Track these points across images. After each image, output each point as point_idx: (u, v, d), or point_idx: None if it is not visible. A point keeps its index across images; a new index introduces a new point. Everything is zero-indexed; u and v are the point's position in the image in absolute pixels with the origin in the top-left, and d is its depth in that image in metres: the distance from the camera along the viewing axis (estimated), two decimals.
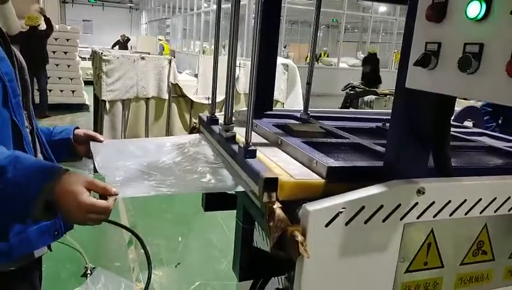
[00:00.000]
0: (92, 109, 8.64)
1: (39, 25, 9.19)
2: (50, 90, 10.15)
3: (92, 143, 1.67)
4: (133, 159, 1.54)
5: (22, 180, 1.16)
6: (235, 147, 1.40)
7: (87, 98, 10.97)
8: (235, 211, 1.54)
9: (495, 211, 1.22)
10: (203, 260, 4.19)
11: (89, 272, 3.63)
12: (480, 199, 1.18)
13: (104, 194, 1.21)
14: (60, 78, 10.68)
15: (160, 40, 16.76)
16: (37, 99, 9.19)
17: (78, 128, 1.72)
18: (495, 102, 0.82)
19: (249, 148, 1.31)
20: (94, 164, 1.51)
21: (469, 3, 0.86)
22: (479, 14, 0.84)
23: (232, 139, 1.50)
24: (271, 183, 1.13)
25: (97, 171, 1.43)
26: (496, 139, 1.94)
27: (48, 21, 9.30)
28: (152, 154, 1.63)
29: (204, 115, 1.85)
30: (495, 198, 1.20)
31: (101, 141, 1.70)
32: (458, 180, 1.18)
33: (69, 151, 1.69)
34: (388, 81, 11.51)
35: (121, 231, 4.40)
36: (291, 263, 1.09)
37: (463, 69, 0.87)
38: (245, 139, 1.31)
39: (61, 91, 10.76)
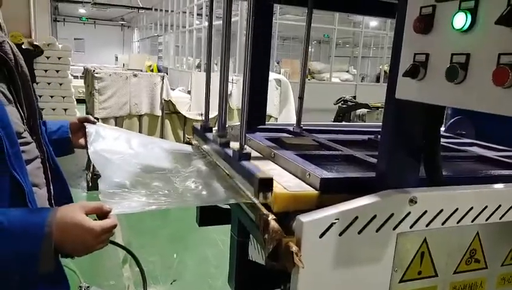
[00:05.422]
0: None
1: (23, 43, 9.22)
2: (42, 109, 10.12)
3: (87, 125, 1.67)
4: (127, 158, 1.54)
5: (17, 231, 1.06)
6: (229, 151, 1.42)
7: None
8: (229, 227, 1.54)
9: (486, 219, 1.22)
10: (198, 276, 4.17)
11: None
12: (472, 208, 1.19)
13: (102, 214, 1.19)
14: (51, 96, 10.61)
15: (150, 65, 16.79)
16: None
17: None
18: (482, 110, 0.84)
19: (243, 152, 1.33)
20: (88, 154, 1.49)
21: (455, 14, 0.88)
22: (464, 25, 0.86)
23: (226, 144, 1.52)
24: (266, 184, 1.14)
25: (90, 190, 1.43)
26: (486, 149, 1.96)
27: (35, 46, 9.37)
28: (146, 155, 1.63)
29: (198, 124, 1.88)
30: (486, 206, 1.21)
31: (94, 122, 1.69)
32: (450, 189, 1.19)
33: (65, 149, 1.65)
34: (379, 95, 11.59)
35: (116, 249, 4.35)
36: (286, 275, 1.09)
37: (450, 79, 0.88)
38: (239, 144, 1.33)
39: (53, 110, 10.67)
